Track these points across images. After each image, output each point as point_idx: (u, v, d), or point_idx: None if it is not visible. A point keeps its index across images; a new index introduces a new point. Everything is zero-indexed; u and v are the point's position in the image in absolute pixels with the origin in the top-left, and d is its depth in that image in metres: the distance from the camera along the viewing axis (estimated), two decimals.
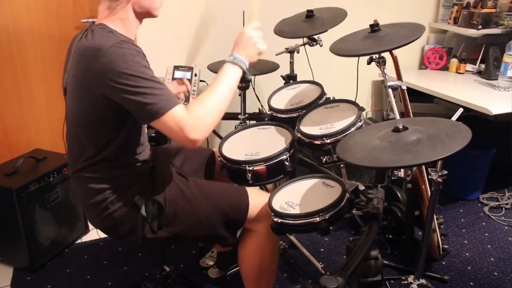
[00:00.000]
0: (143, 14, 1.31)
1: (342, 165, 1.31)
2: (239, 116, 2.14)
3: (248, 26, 1.38)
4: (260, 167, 1.46)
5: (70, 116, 1.30)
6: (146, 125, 1.42)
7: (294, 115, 1.69)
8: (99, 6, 1.27)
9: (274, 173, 1.49)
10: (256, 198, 1.44)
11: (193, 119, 1.19)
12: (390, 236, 2.13)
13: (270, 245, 1.48)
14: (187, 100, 2.21)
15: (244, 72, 1.32)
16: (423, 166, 1.86)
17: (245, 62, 1.32)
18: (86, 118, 1.25)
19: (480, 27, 2.60)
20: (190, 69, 2.24)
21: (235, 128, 1.82)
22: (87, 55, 1.17)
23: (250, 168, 1.46)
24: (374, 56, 1.56)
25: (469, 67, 2.77)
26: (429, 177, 1.48)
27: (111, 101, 1.19)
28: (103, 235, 2.28)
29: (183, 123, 1.17)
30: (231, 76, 1.30)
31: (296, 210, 1.30)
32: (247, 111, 2.15)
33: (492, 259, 2.15)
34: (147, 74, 1.16)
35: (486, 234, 2.36)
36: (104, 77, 1.15)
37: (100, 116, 1.23)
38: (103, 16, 1.26)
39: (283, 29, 1.99)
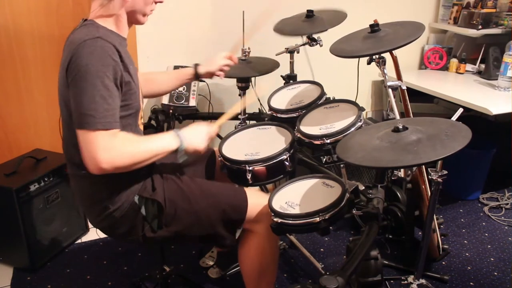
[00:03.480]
0: (132, 19, 1.31)
1: (342, 165, 1.31)
2: (239, 116, 2.14)
3: (213, 127, 1.42)
4: (260, 167, 1.46)
5: (62, 114, 1.29)
6: (141, 123, 1.42)
7: (294, 115, 1.69)
8: (92, 3, 1.28)
9: (274, 173, 1.49)
10: (256, 198, 1.44)
11: (114, 151, 1.16)
12: (390, 236, 2.13)
13: (270, 245, 1.48)
14: (186, 100, 2.21)
15: (177, 150, 1.31)
16: (423, 166, 1.86)
17: (184, 145, 1.31)
18: (70, 116, 1.22)
19: (480, 27, 2.60)
20: None
21: (235, 128, 1.82)
22: (68, 49, 1.19)
23: (250, 168, 1.46)
24: (374, 56, 1.56)
25: (469, 67, 2.77)
26: (429, 177, 1.48)
27: None
28: (103, 235, 2.28)
29: (100, 150, 1.13)
30: (167, 143, 1.29)
31: (296, 210, 1.30)
32: (247, 111, 2.15)
33: (492, 259, 2.15)
34: (101, 82, 1.14)
35: (486, 234, 2.36)
36: (69, 70, 1.15)
37: None
38: (95, 13, 1.27)
39: (283, 29, 1.99)
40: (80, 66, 1.13)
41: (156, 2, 1.34)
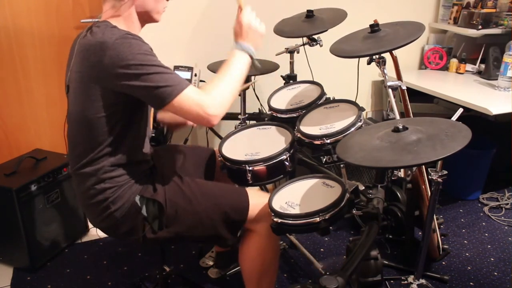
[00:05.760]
0: (145, 18, 1.33)
1: (342, 165, 1.31)
2: (239, 116, 2.14)
3: (242, 14, 1.39)
4: (260, 167, 1.46)
5: (74, 112, 1.30)
6: (149, 125, 1.42)
7: (294, 115, 1.69)
8: (104, 4, 1.29)
9: (274, 173, 1.49)
10: (256, 198, 1.44)
11: (208, 96, 1.23)
12: (390, 236, 2.13)
13: (271, 245, 1.48)
14: None
15: (252, 59, 1.36)
16: (423, 166, 1.86)
17: (252, 49, 1.36)
18: (92, 114, 1.24)
19: (480, 27, 2.60)
20: (190, 69, 2.24)
21: (235, 128, 1.82)
22: (94, 50, 1.18)
23: (250, 168, 1.46)
24: (374, 56, 1.56)
25: (469, 67, 2.77)
26: (429, 177, 1.48)
27: (120, 95, 1.20)
28: (103, 235, 2.28)
29: (199, 101, 1.21)
30: (240, 60, 1.34)
31: (296, 210, 1.30)
32: (247, 111, 2.15)
33: (492, 259, 2.15)
34: (154, 61, 1.20)
35: (486, 234, 2.36)
36: (113, 70, 1.16)
37: (106, 112, 1.24)
38: (107, 15, 1.28)
39: (283, 29, 1.99)
40: (129, 61, 1.16)
41: None
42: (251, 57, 1.36)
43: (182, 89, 1.19)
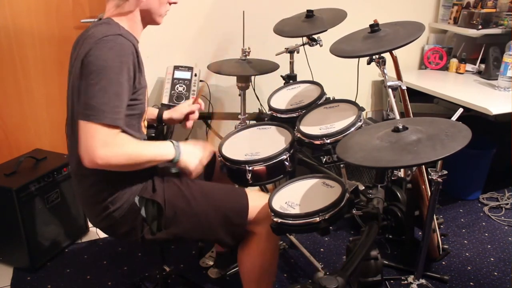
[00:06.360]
0: (147, 19, 1.33)
1: (342, 165, 1.31)
2: (239, 116, 2.14)
3: (209, 151, 1.43)
4: (260, 167, 1.46)
5: (72, 111, 1.30)
6: (145, 124, 1.42)
7: (294, 115, 1.69)
8: (108, 3, 1.30)
9: (274, 173, 1.49)
10: (256, 199, 1.44)
11: (113, 150, 1.16)
12: (390, 236, 2.13)
13: (270, 247, 1.48)
14: (186, 98, 2.21)
15: (172, 161, 1.32)
16: (423, 166, 1.86)
17: (179, 159, 1.32)
18: None
19: (480, 27, 2.60)
20: (190, 69, 2.24)
21: (235, 128, 1.82)
22: (85, 43, 1.19)
23: (250, 168, 1.45)
24: (374, 56, 1.56)
25: (469, 67, 2.77)
26: (429, 177, 1.48)
27: None
28: (103, 235, 2.28)
29: (99, 144, 1.13)
30: (164, 152, 1.31)
31: (296, 210, 1.30)
32: (247, 111, 2.15)
33: (492, 259, 2.15)
34: (113, 77, 1.15)
35: (486, 234, 2.36)
36: (85, 62, 1.16)
37: None
38: (110, 13, 1.29)
39: (283, 29, 1.99)
40: (99, 60, 1.14)
41: (170, 3, 1.36)
42: (173, 160, 1.31)
43: (99, 120, 1.12)
